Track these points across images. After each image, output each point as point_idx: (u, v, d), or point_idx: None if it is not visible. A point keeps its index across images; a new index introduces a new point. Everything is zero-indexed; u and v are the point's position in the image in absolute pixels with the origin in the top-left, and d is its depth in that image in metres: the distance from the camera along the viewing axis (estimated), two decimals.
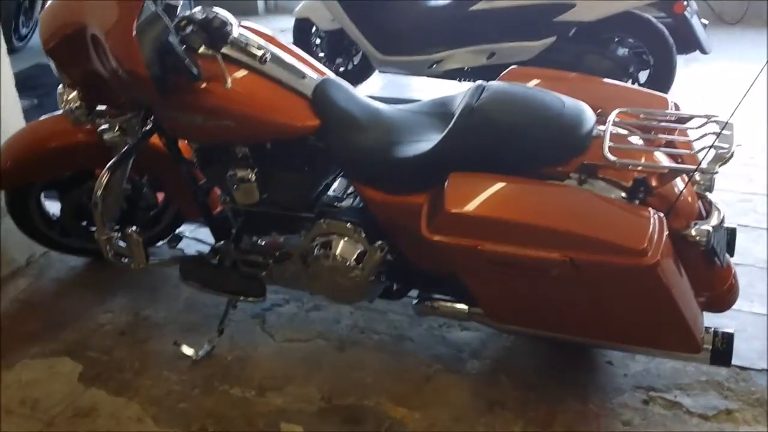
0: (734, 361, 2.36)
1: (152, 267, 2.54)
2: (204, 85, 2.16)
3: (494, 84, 2.20)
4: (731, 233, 2.37)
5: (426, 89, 4.64)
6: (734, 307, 2.54)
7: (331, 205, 2.44)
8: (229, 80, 2.13)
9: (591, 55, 3.88)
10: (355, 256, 2.30)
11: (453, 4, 4.17)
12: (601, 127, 2.08)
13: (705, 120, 2.11)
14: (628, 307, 1.98)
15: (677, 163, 2.13)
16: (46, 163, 2.67)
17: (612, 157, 1.96)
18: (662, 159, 2.09)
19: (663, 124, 2.15)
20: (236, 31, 2.23)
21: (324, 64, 4.68)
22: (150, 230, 2.95)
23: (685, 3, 3.74)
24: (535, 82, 2.40)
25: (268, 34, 2.46)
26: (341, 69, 4.79)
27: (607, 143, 2.00)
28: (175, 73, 2.07)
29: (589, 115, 2.12)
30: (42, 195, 2.87)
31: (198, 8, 2.26)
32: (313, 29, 4.69)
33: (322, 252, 2.34)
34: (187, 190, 2.54)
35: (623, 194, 2.03)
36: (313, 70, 2.38)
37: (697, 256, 2.08)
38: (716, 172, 1.97)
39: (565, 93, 2.30)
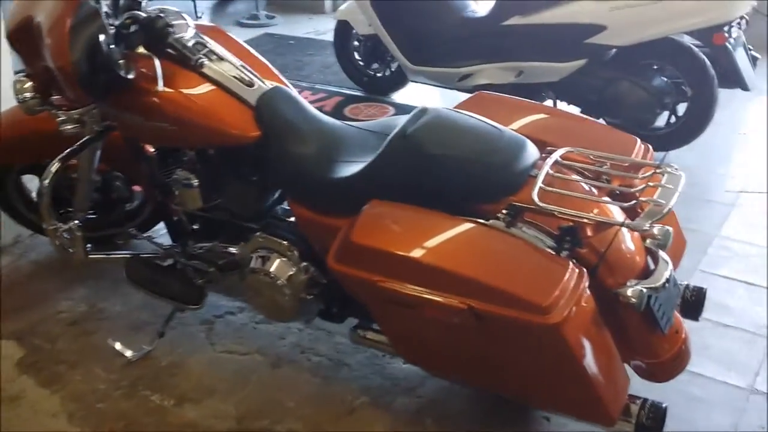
0: None
1: (93, 262, 2.53)
2: (142, 85, 2.12)
3: (436, 109, 2.06)
4: (696, 294, 2.16)
5: None
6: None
7: (281, 218, 2.37)
8: (161, 83, 2.08)
9: (622, 82, 3.63)
10: (286, 275, 2.22)
11: (487, 17, 3.99)
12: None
13: (654, 170, 1.91)
14: (532, 365, 1.81)
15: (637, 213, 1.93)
16: (20, 148, 2.69)
17: (538, 201, 1.81)
18: (613, 210, 1.91)
19: (613, 170, 1.97)
20: (189, 33, 2.21)
21: (361, 69, 4.70)
22: (130, 223, 2.96)
23: (727, 34, 3.45)
24: (497, 110, 2.25)
25: (232, 37, 2.43)
26: (378, 75, 4.71)
27: (538, 185, 1.84)
28: (104, 72, 2.04)
29: (529, 153, 1.96)
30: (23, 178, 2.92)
31: (156, 7, 2.24)
32: (353, 32, 4.61)
33: (256, 266, 2.26)
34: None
35: (552, 242, 1.86)
36: (269, 80, 2.30)
37: (635, 318, 1.89)
38: (646, 229, 1.77)
39: (524, 126, 2.16)
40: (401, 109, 4.43)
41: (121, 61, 2.08)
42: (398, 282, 1.80)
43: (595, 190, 1.96)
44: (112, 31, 2.10)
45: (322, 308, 2.33)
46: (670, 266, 1.93)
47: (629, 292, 1.81)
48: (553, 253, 1.83)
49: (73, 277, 2.90)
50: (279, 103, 2.22)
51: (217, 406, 2.29)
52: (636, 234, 1.97)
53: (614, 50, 3.69)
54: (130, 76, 2.08)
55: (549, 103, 3.99)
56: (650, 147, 2.17)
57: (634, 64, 3.67)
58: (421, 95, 4.69)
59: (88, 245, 2.47)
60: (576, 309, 1.70)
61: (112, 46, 2.03)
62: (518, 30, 3.81)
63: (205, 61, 2.12)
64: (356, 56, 4.71)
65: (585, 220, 1.80)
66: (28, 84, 2.30)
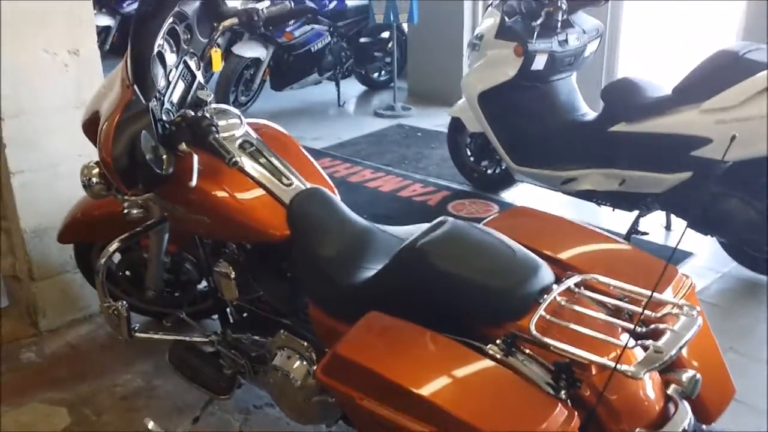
0: None
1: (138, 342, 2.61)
2: (183, 179, 2.21)
3: (452, 222, 1.99)
4: None
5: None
6: None
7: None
8: (195, 179, 2.16)
9: (731, 199, 3.35)
10: (301, 377, 2.20)
11: (594, 121, 3.87)
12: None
13: (676, 310, 1.73)
14: None
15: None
16: (99, 226, 2.88)
17: (534, 331, 1.68)
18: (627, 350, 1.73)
19: (630, 304, 1.79)
20: (239, 132, 2.31)
21: (472, 165, 4.67)
22: (202, 304, 3.06)
23: None
24: (530, 227, 2.15)
25: (288, 137, 2.50)
26: (488, 172, 4.66)
27: (538, 313, 1.72)
28: (142, 169, 2.14)
29: (541, 277, 1.84)
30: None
31: (211, 106, 2.35)
32: (465, 129, 4.61)
33: (277, 363, 2.26)
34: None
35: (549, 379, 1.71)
36: (312, 181, 2.34)
37: None
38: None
39: (553, 247, 2.03)
40: (507, 207, 4.33)
41: (163, 156, 2.19)
42: (375, 402, 1.72)
43: (618, 325, 1.79)
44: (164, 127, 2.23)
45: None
46: (689, 418, 1.72)
47: None
48: (551, 390, 1.68)
49: (139, 352, 3.02)
50: (311, 204, 2.24)
51: None
52: (656, 377, 1.78)
53: (727, 164, 3.43)
54: (169, 173, 2.17)
55: (656, 214, 3.78)
56: (692, 281, 1.97)
57: (748, 181, 3.39)
58: (529, 195, 4.57)
59: (136, 325, 2.58)
60: None
61: (154, 144, 2.13)
62: (623, 137, 3.65)
63: (240, 160, 2.18)
64: (467, 152, 4.70)
65: (576, 358, 1.64)
66: (95, 170, 2.47)
